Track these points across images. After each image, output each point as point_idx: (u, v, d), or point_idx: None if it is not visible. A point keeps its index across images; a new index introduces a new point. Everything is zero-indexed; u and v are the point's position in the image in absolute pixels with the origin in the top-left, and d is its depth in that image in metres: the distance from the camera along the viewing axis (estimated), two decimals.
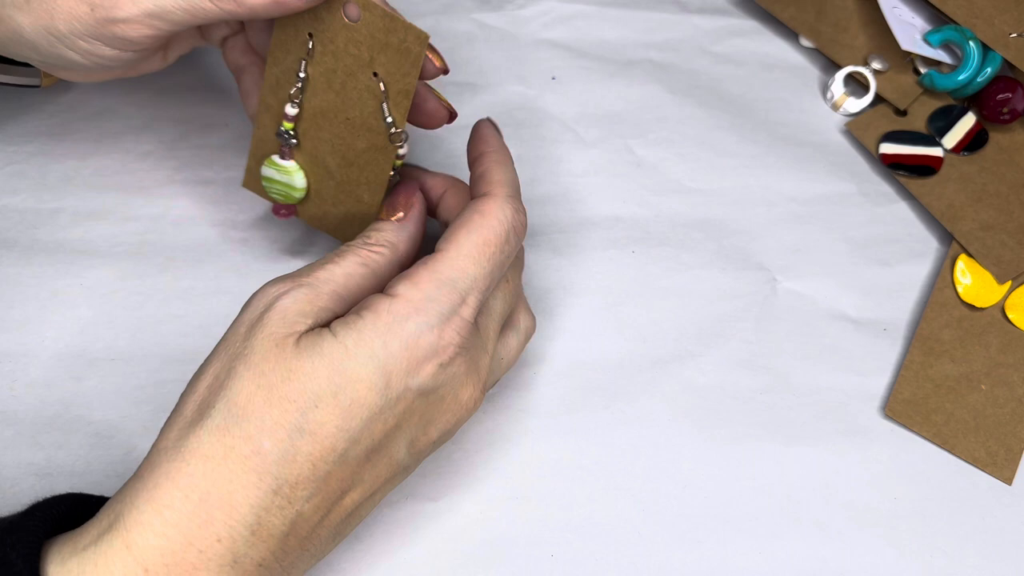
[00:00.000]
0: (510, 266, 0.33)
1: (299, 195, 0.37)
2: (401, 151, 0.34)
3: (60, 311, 0.39)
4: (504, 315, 0.33)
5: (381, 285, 0.31)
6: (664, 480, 0.37)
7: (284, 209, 0.38)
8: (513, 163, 0.34)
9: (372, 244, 0.31)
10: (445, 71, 0.33)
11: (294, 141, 0.35)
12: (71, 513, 0.27)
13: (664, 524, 0.36)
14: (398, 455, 0.29)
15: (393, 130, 0.33)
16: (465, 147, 0.35)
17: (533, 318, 0.35)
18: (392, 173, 0.35)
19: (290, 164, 0.36)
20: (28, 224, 0.41)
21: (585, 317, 0.41)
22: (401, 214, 0.33)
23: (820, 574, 0.36)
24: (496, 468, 0.37)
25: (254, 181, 0.38)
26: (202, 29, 0.39)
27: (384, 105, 0.33)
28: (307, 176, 0.36)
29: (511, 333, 0.34)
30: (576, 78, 0.49)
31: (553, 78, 0.49)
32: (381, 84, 0.32)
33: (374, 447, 0.28)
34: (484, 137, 0.34)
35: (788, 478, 0.38)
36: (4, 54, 0.34)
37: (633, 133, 0.47)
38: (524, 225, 0.32)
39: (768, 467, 0.38)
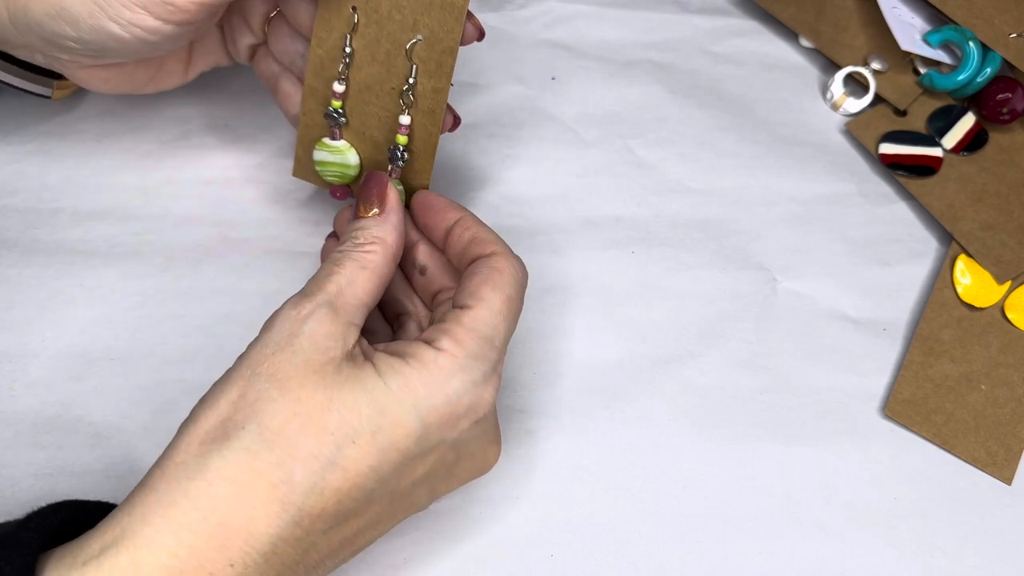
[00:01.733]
0: None
1: (354, 172, 0.37)
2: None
3: (60, 311, 0.39)
4: None
5: (384, 283, 0.31)
6: (664, 480, 0.37)
7: (340, 191, 0.38)
8: None
9: (362, 244, 0.31)
10: (481, 34, 0.34)
11: (343, 120, 0.36)
12: (72, 519, 0.26)
13: (664, 524, 0.36)
14: (419, 501, 0.30)
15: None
16: (461, 150, 0.36)
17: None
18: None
19: (341, 143, 0.36)
20: (28, 224, 0.41)
21: (585, 317, 0.41)
22: (376, 209, 0.32)
23: (820, 574, 0.36)
24: (496, 468, 0.37)
25: (304, 169, 0.38)
26: (227, 41, 0.39)
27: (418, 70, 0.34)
28: (359, 153, 0.37)
29: None
30: (576, 78, 0.49)
31: (553, 78, 0.49)
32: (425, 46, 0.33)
33: (400, 492, 0.28)
34: (441, 205, 0.34)
35: (788, 478, 0.38)
36: (43, 34, 0.33)
37: (633, 133, 0.47)
38: (527, 277, 0.32)
39: (768, 467, 0.38)
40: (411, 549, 0.35)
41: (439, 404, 0.28)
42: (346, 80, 0.35)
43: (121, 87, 0.38)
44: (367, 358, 0.28)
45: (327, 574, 0.29)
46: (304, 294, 0.29)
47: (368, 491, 0.27)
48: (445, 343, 0.29)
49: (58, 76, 0.40)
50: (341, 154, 0.37)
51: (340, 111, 0.35)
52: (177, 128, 0.44)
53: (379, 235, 0.32)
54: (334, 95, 0.35)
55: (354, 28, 0.34)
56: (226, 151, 0.44)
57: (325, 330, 0.28)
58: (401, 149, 0.35)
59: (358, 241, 0.31)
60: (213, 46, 0.40)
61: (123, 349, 0.38)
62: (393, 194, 0.33)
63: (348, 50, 0.34)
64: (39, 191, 0.42)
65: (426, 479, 0.29)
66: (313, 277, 0.30)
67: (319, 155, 0.37)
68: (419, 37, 0.33)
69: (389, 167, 0.36)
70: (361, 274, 0.30)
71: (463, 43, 0.33)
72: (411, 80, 0.34)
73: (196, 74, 0.40)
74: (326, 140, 0.37)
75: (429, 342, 0.29)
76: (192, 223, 0.42)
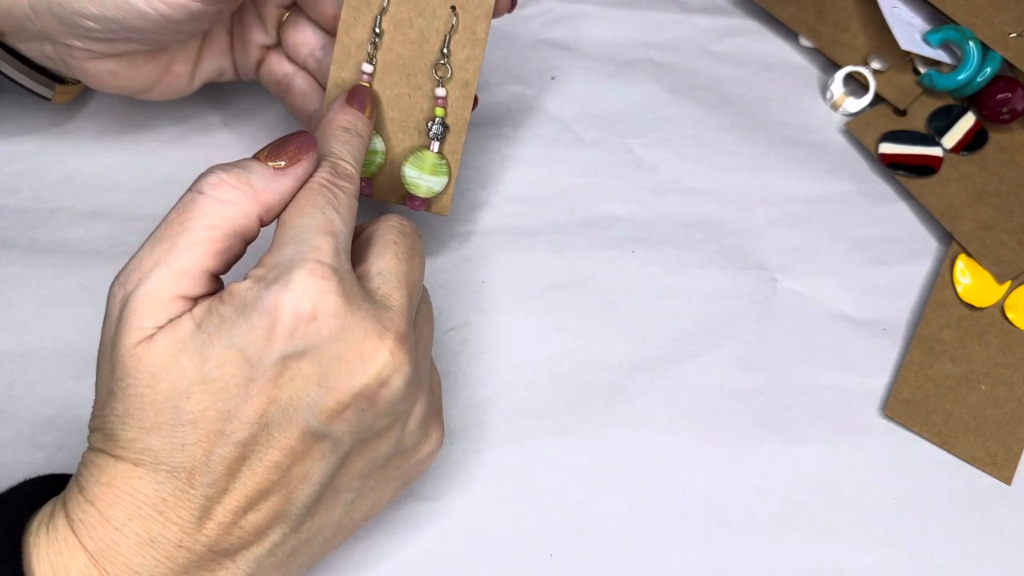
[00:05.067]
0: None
1: (379, 160, 0.37)
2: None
3: (60, 311, 0.39)
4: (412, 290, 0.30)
5: (240, 235, 0.28)
6: (664, 480, 0.37)
7: (365, 182, 0.37)
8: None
9: (215, 188, 0.28)
10: (513, 3, 0.34)
11: None
12: (60, 489, 0.28)
13: (664, 524, 0.36)
14: (305, 425, 0.26)
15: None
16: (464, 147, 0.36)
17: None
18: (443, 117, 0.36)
19: None
20: (28, 224, 0.41)
21: (585, 317, 0.41)
22: (283, 163, 0.29)
23: (820, 574, 0.36)
24: (496, 468, 0.37)
25: None
26: (235, 48, 0.40)
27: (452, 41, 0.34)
28: (383, 140, 0.37)
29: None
30: (576, 78, 0.49)
31: (553, 78, 0.49)
32: (456, 19, 0.34)
33: (262, 422, 0.26)
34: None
35: (788, 478, 0.38)
36: (62, 14, 0.33)
37: (633, 133, 0.47)
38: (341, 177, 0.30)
39: (768, 467, 0.38)
40: (411, 549, 0.35)
41: (253, 321, 0.26)
42: (375, 62, 0.35)
43: (128, 84, 0.38)
44: (191, 315, 0.26)
45: (303, 559, 0.29)
46: (150, 244, 0.28)
47: (225, 432, 0.26)
48: (250, 272, 0.27)
49: (60, 80, 0.40)
50: None
51: None
52: (177, 128, 0.44)
53: (258, 187, 0.28)
54: (363, 77, 0.35)
55: (384, 9, 0.34)
56: (226, 151, 0.44)
57: (155, 302, 0.26)
58: (440, 121, 0.35)
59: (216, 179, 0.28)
60: (221, 51, 0.40)
61: None
62: (308, 164, 0.29)
63: (378, 31, 0.34)
64: (39, 191, 0.42)
65: (292, 403, 0.26)
66: (165, 219, 0.28)
67: None
68: (453, 5, 0.34)
69: (429, 143, 0.36)
70: (206, 234, 0.28)
71: (495, 15, 0.34)
72: (446, 51, 0.34)
73: (200, 83, 0.40)
74: None
75: (247, 274, 0.27)
76: None
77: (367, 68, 0.35)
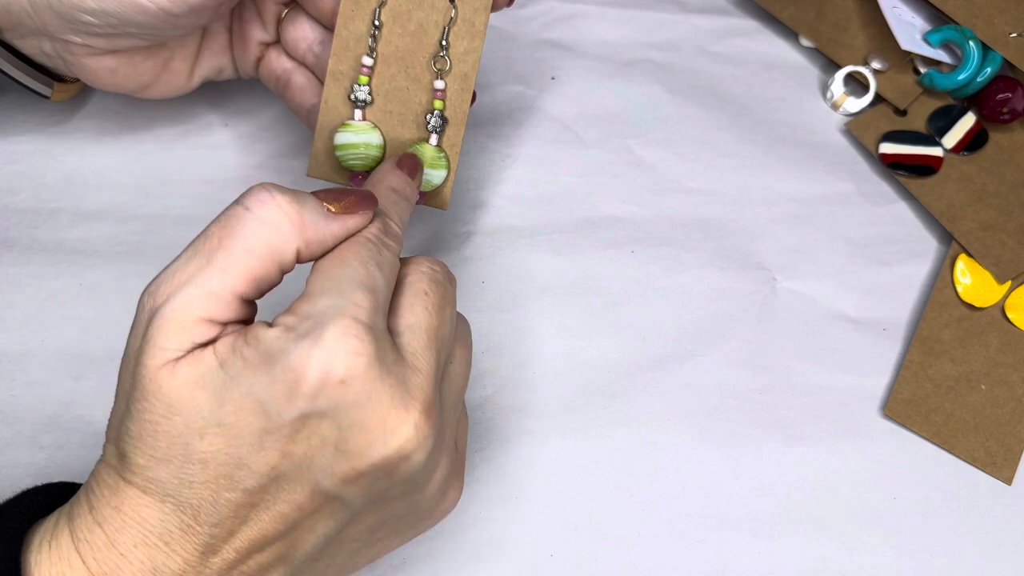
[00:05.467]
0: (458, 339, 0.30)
1: (377, 154, 0.37)
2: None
3: (60, 311, 0.39)
4: (442, 344, 0.29)
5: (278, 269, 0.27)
6: (664, 480, 0.37)
7: (362, 175, 0.37)
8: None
9: (261, 205, 0.27)
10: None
11: (369, 98, 0.36)
12: (63, 499, 0.27)
13: (664, 524, 0.36)
14: (317, 484, 0.26)
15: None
16: (461, 150, 0.36)
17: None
18: (441, 110, 0.36)
19: (366, 123, 0.36)
20: (28, 224, 0.41)
21: (585, 317, 0.41)
22: (332, 209, 0.28)
23: (820, 574, 0.36)
24: (496, 468, 0.37)
25: (321, 166, 0.38)
26: (234, 45, 0.40)
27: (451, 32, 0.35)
28: (382, 134, 0.37)
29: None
30: (576, 78, 0.49)
31: (553, 78, 0.49)
32: (455, 10, 0.34)
33: (273, 475, 0.25)
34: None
35: (788, 478, 0.38)
36: (61, 10, 0.33)
37: (633, 133, 0.47)
38: (395, 237, 0.29)
39: (768, 467, 0.38)
40: (411, 549, 0.35)
41: (276, 374, 0.25)
42: (374, 55, 0.35)
43: (127, 81, 0.38)
44: (214, 352, 0.26)
45: None
46: (183, 259, 0.27)
47: (234, 478, 0.25)
48: (280, 317, 0.26)
49: (59, 79, 0.40)
50: (366, 133, 0.36)
51: (368, 86, 0.36)
52: (177, 128, 0.44)
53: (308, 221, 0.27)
54: (362, 70, 0.35)
55: (383, 2, 0.34)
56: (226, 151, 0.44)
57: (181, 322, 0.26)
58: (439, 113, 0.36)
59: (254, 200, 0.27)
60: (220, 48, 0.40)
61: (123, 349, 0.38)
62: (360, 219, 0.28)
63: (377, 23, 0.35)
64: (39, 191, 0.42)
65: (305, 459, 0.26)
66: (204, 234, 0.27)
67: (342, 137, 0.36)
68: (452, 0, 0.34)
69: (428, 136, 0.36)
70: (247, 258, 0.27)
71: (494, 8, 0.34)
72: (444, 43, 0.34)
73: (199, 80, 0.40)
74: (349, 122, 0.36)
75: (270, 324, 0.26)
76: (192, 223, 0.41)
77: (367, 61, 0.35)
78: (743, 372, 0.40)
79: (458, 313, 0.31)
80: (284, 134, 0.45)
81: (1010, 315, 0.43)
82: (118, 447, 0.26)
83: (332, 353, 0.24)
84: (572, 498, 0.37)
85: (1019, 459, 0.40)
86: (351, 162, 0.37)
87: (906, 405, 0.40)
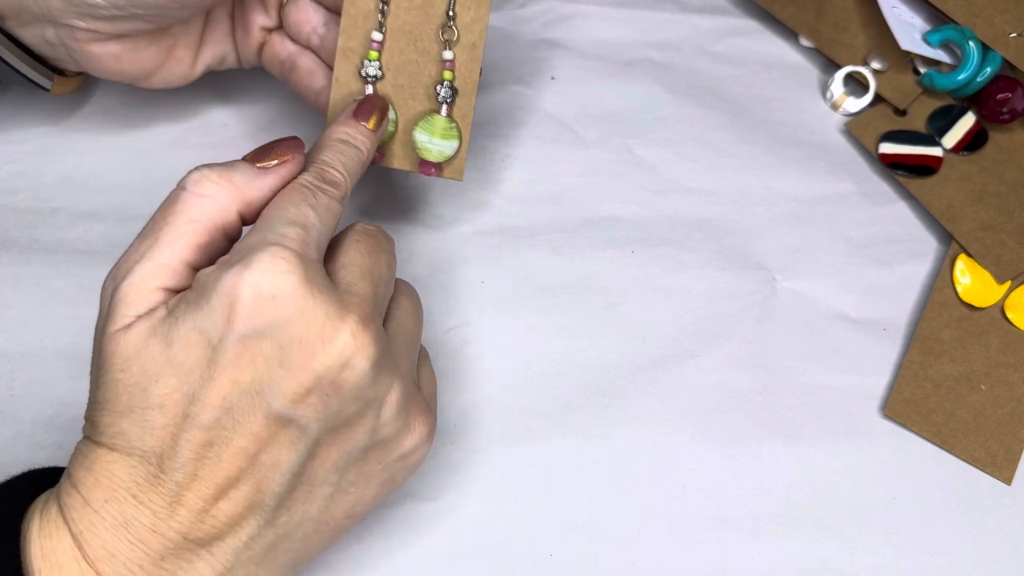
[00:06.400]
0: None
1: (391, 128, 0.37)
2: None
3: (59, 311, 0.39)
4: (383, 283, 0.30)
5: (220, 235, 0.29)
6: (664, 480, 0.37)
7: (379, 151, 0.37)
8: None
9: (197, 184, 0.29)
10: None
11: (379, 73, 0.36)
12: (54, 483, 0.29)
13: (664, 524, 0.36)
14: (269, 408, 0.26)
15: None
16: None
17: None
18: (451, 81, 0.36)
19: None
20: (27, 224, 0.41)
21: (585, 317, 0.41)
22: (274, 162, 0.30)
23: (820, 574, 0.36)
24: (496, 468, 0.37)
25: None
26: (237, 32, 0.40)
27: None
28: (394, 108, 0.37)
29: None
30: (576, 78, 0.49)
31: (553, 78, 0.49)
32: None
33: (226, 404, 0.26)
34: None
35: (788, 478, 0.38)
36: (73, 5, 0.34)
37: (633, 133, 0.47)
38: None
39: (768, 467, 0.38)
40: (411, 549, 0.35)
41: (213, 302, 0.26)
42: (383, 29, 0.35)
43: (131, 68, 0.38)
44: (166, 306, 0.27)
45: (269, 558, 0.29)
46: (140, 240, 0.29)
47: (190, 416, 0.26)
48: (218, 260, 0.28)
49: (60, 72, 0.40)
50: None
51: (378, 61, 0.36)
52: (177, 128, 0.44)
53: (240, 184, 0.29)
54: (372, 45, 0.35)
55: None
56: (225, 151, 0.44)
57: (137, 294, 0.28)
58: (449, 84, 0.36)
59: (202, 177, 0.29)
60: (223, 35, 0.40)
61: None
62: (294, 166, 0.30)
63: None
64: (38, 191, 0.42)
65: (253, 385, 0.26)
66: (152, 219, 0.29)
67: None
68: None
69: (439, 107, 0.36)
70: (189, 227, 0.29)
71: None
72: (451, 13, 0.35)
73: (203, 68, 0.40)
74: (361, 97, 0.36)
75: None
76: None
77: (377, 36, 0.35)
78: (743, 372, 0.40)
79: (405, 281, 0.33)
80: (284, 134, 0.44)
81: (1010, 315, 0.43)
82: (91, 419, 0.27)
83: (261, 274, 0.26)
84: (572, 498, 0.37)
85: (1019, 459, 0.40)
86: None
87: (906, 405, 0.40)
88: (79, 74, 0.40)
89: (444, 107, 0.36)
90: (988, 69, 0.47)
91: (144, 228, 0.29)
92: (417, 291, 0.34)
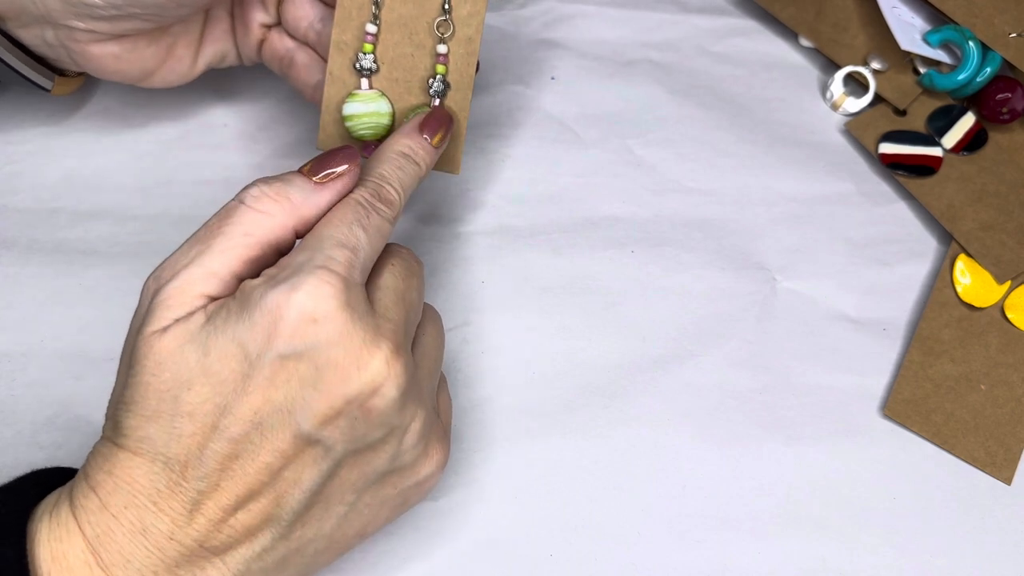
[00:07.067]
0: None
1: (387, 122, 0.37)
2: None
3: (59, 311, 0.39)
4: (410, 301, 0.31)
5: (274, 247, 0.29)
6: (664, 480, 0.37)
7: (373, 146, 0.37)
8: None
9: (256, 200, 0.29)
10: None
11: (374, 66, 0.36)
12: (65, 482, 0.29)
13: (664, 524, 0.36)
14: (298, 428, 0.27)
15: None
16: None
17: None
18: (442, 75, 0.36)
19: (373, 92, 0.36)
20: (27, 224, 0.41)
21: (585, 317, 0.41)
22: (334, 171, 0.30)
23: (820, 574, 0.36)
24: (496, 468, 0.37)
25: (330, 139, 0.38)
26: (236, 30, 0.40)
27: None
28: (390, 101, 0.37)
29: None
30: (576, 78, 0.49)
31: (552, 78, 0.49)
32: None
33: (256, 420, 0.26)
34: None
35: (788, 478, 0.38)
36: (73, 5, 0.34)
37: (632, 133, 0.47)
38: (382, 198, 0.31)
39: (768, 467, 0.38)
40: (411, 549, 0.35)
41: (256, 317, 0.26)
42: (378, 21, 0.35)
43: (131, 68, 0.38)
44: (204, 310, 0.27)
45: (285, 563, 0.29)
46: (190, 244, 0.29)
47: (220, 427, 0.26)
48: (264, 272, 0.28)
49: (60, 73, 0.40)
50: (374, 102, 0.36)
51: (372, 56, 0.36)
52: (176, 128, 0.44)
53: (296, 199, 0.29)
54: (367, 37, 0.35)
55: None
56: (225, 151, 0.44)
57: (179, 298, 0.27)
58: (441, 78, 0.36)
59: (261, 191, 0.29)
60: (222, 33, 0.40)
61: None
62: (349, 179, 0.30)
63: None
64: (38, 191, 0.42)
65: (285, 405, 0.26)
66: (206, 225, 0.29)
67: (350, 108, 0.36)
68: None
69: (431, 101, 0.36)
70: (242, 241, 0.29)
71: None
72: (447, 6, 0.35)
73: (203, 67, 0.40)
74: (356, 91, 0.36)
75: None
76: (191, 223, 0.41)
77: (371, 28, 0.35)
78: (743, 372, 0.40)
79: (431, 306, 0.33)
80: (283, 134, 0.45)
81: (1010, 315, 0.43)
82: (114, 419, 0.27)
83: (307, 296, 0.26)
84: (572, 498, 0.37)
85: (1019, 459, 0.40)
86: (361, 132, 0.37)
87: (906, 405, 0.40)
88: (80, 74, 0.40)
89: (436, 101, 0.36)
90: (988, 69, 0.47)
91: (195, 234, 0.29)
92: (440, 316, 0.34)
